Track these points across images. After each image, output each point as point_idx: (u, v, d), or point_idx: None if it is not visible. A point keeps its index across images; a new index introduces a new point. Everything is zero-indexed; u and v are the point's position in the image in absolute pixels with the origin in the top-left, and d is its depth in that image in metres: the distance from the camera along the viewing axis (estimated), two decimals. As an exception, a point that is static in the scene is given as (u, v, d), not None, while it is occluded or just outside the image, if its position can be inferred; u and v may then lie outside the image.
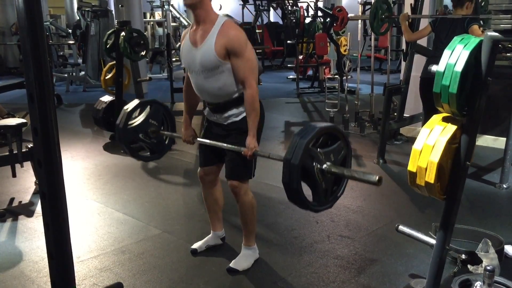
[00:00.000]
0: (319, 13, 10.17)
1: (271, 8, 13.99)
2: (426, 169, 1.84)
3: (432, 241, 2.27)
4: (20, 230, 3.37)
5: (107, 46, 5.83)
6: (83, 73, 10.57)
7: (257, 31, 13.51)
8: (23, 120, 4.06)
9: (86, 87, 10.21)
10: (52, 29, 13.27)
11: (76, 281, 1.96)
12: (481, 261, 2.49)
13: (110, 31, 5.90)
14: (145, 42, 5.68)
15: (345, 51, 8.77)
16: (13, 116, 5.68)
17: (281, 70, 12.82)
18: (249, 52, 2.45)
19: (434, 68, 1.82)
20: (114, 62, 5.91)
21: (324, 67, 9.68)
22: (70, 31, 13.35)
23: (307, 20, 11.52)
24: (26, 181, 4.31)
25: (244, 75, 2.44)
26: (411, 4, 5.04)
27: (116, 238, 3.22)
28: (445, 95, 1.78)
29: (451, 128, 1.85)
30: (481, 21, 4.19)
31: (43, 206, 1.75)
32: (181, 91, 2.84)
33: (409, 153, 1.92)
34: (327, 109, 6.56)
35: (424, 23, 4.74)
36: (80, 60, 11.91)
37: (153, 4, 13.66)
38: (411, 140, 5.30)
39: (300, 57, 10.20)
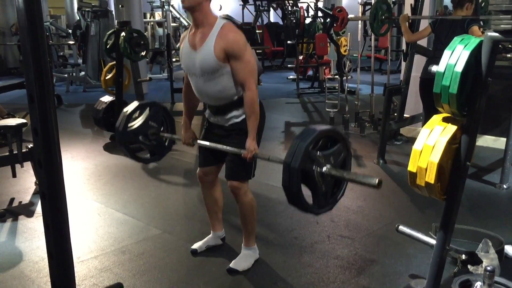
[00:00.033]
0: (319, 14, 10.17)
1: (271, 9, 13.99)
2: (426, 169, 1.84)
3: (432, 242, 2.27)
4: (20, 230, 3.37)
5: (107, 47, 5.83)
6: (83, 73, 10.58)
7: (257, 31, 13.52)
8: (23, 121, 4.06)
9: (86, 87, 10.22)
10: (52, 30, 13.28)
11: (76, 281, 1.96)
12: (481, 262, 2.49)
13: (110, 32, 5.90)
14: (145, 42, 5.68)
15: (345, 51, 8.77)
16: (13, 117, 5.68)
17: (281, 71, 12.82)
18: (248, 54, 2.44)
19: (434, 68, 1.82)
20: (114, 62, 5.91)
21: (324, 67, 9.68)
22: (70, 31, 13.34)
23: (307, 20, 11.52)
24: (26, 181, 4.31)
25: (244, 78, 2.44)
26: (411, 5, 5.04)
27: (116, 238, 3.22)
28: (445, 95, 1.78)
29: (451, 128, 1.85)
30: (481, 22, 4.19)
31: (43, 206, 1.75)
32: (181, 91, 2.83)
33: (409, 153, 1.92)
34: (327, 110, 6.56)
35: (424, 24, 4.74)
36: (80, 61, 11.91)
37: (153, 4, 13.67)
38: (411, 140, 5.30)
39: (300, 57, 10.21)
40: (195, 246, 2.98)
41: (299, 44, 10.14)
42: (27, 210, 3.73)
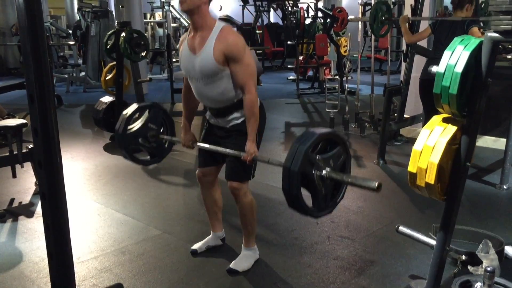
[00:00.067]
0: (319, 14, 10.18)
1: (271, 9, 13.99)
2: (426, 170, 1.84)
3: (432, 242, 2.27)
4: (20, 230, 3.37)
5: (108, 47, 5.84)
6: (83, 73, 10.58)
7: (257, 31, 13.53)
8: (23, 121, 4.06)
9: (87, 87, 10.22)
10: (52, 30, 13.28)
11: (76, 282, 1.96)
12: (481, 262, 2.49)
13: (110, 32, 5.91)
14: (145, 43, 5.68)
15: (345, 52, 8.78)
16: (13, 117, 5.68)
17: (281, 71, 12.83)
18: (247, 57, 2.44)
19: (434, 69, 1.83)
20: (115, 62, 5.92)
21: (324, 68, 9.68)
22: (70, 31, 13.35)
23: (307, 21, 11.52)
24: (26, 182, 4.31)
25: (243, 81, 2.44)
26: (411, 5, 5.04)
27: (116, 238, 3.22)
28: (445, 96, 1.79)
29: (451, 129, 1.85)
30: (481, 23, 4.19)
31: (43, 207, 1.75)
32: (181, 92, 2.83)
33: (409, 154, 1.92)
34: (327, 110, 6.56)
35: (424, 25, 4.74)
36: (80, 61, 11.92)
37: (154, 5, 13.67)
38: (411, 141, 5.29)
39: (300, 58, 10.21)
40: (195, 246, 2.98)
41: (299, 45, 10.15)
42: (27, 211, 3.73)
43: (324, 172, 1.96)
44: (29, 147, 3.72)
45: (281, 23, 14.83)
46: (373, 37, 7.19)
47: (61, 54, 13.91)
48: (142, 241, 3.18)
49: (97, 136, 6.26)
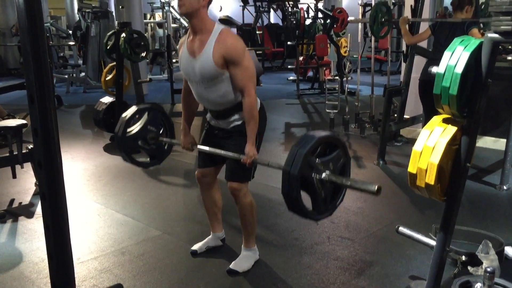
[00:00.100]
0: (320, 15, 10.18)
1: (271, 10, 14.01)
2: (426, 170, 1.84)
3: (432, 243, 2.27)
4: (20, 231, 3.37)
5: (108, 47, 5.84)
6: (83, 74, 10.59)
7: (257, 32, 13.54)
8: (24, 121, 4.06)
9: (87, 88, 10.22)
10: (52, 30, 13.28)
11: (76, 282, 1.96)
12: (481, 263, 2.49)
13: (110, 32, 5.91)
14: (146, 43, 5.68)
15: (345, 52, 8.78)
16: (14, 117, 5.68)
17: (281, 72, 12.83)
18: (247, 60, 2.43)
19: (434, 69, 1.83)
20: (115, 63, 5.92)
21: (324, 68, 9.69)
22: (70, 32, 13.36)
23: (308, 21, 11.53)
24: (26, 182, 4.31)
25: (243, 83, 2.44)
26: (411, 6, 5.05)
27: (116, 239, 3.22)
28: (445, 96, 1.79)
29: (451, 129, 1.85)
30: (481, 24, 4.19)
31: (43, 207, 1.75)
32: (181, 94, 2.84)
33: (409, 154, 1.92)
34: (327, 111, 6.56)
35: (424, 26, 4.74)
36: (80, 61, 11.92)
37: (154, 5, 13.68)
38: (411, 141, 5.29)
39: (301, 58, 10.22)
40: (195, 247, 2.98)
41: (299, 45, 10.15)
42: (27, 211, 3.73)
43: (323, 175, 1.96)
44: (29, 147, 3.72)
45: (281, 23, 14.84)
46: (373, 37, 7.19)
47: (61, 54, 13.92)
48: (142, 241, 3.18)
49: (97, 136, 6.26)
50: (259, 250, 2.87)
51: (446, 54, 1.80)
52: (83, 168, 4.85)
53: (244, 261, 2.78)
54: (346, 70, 7.95)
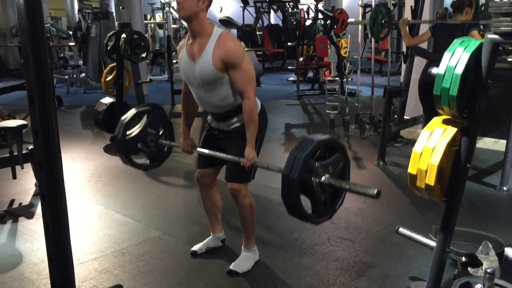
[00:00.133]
0: (320, 15, 10.19)
1: (271, 10, 14.01)
2: (426, 171, 1.84)
3: (432, 244, 2.27)
4: (20, 231, 3.37)
5: (108, 48, 5.84)
6: (83, 75, 10.59)
7: (257, 33, 13.54)
8: (24, 122, 4.06)
9: (87, 88, 10.22)
10: (52, 31, 13.29)
11: (76, 283, 1.96)
12: (481, 264, 2.49)
13: (110, 33, 5.91)
14: (146, 44, 5.68)
15: (345, 53, 8.77)
16: (14, 118, 5.68)
17: (281, 72, 12.84)
18: (246, 63, 2.44)
19: (434, 70, 1.83)
20: (115, 64, 5.92)
21: (324, 69, 9.69)
22: (70, 33, 13.37)
23: (308, 22, 11.54)
24: (27, 183, 4.31)
25: (242, 86, 2.44)
26: (411, 7, 5.05)
27: (116, 240, 3.22)
28: (445, 97, 1.79)
29: (452, 130, 1.85)
30: (481, 26, 4.19)
31: (43, 208, 1.75)
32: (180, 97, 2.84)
33: (409, 155, 1.92)
34: (328, 111, 6.56)
35: (424, 28, 4.74)
36: (80, 62, 11.93)
37: (154, 6, 13.69)
38: (412, 142, 5.29)
39: (301, 59, 10.22)
40: (195, 247, 2.97)
41: (300, 46, 10.16)
42: (27, 212, 3.73)
43: (323, 178, 1.96)
44: (29, 148, 3.72)
45: (281, 24, 14.85)
46: (373, 38, 7.19)
47: (62, 55, 13.94)
48: (142, 242, 3.18)
49: (97, 137, 6.26)
50: (259, 251, 2.87)
51: (446, 55, 1.81)
52: (83, 168, 4.85)
53: (244, 262, 2.78)
54: (346, 71, 7.93)
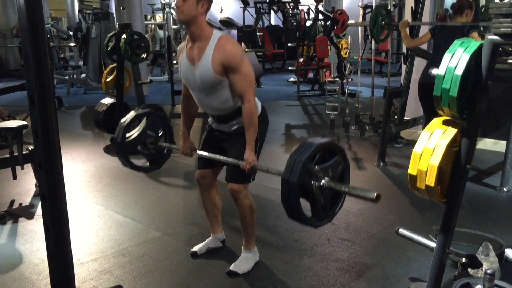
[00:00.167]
0: (320, 16, 10.19)
1: (271, 11, 14.01)
2: (426, 172, 1.84)
3: (433, 245, 2.27)
4: (20, 232, 3.37)
5: (108, 49, 5.84)
6: (84, 75, 10.59)
7: (258, 34, 13.55)
8: (24, 122, 4.06)
9: (87, 89, 10.23)
10: (53, 32, 13.31)
11: (76, 284, 1.96)
12: (482, 265, 2.49)
13: (111, 34, 5.91)
14: (146, 44, 5.69)
15: (345, 54, 8.78)
16: (14, 118, 5.68)
17: (281, 73, 12.84)
18: (245, 66, 2.44)
19: (434, 71, 1.83)
20: (115, 64, 5.92)
21: (324, 70, 9.69)
22: (71, 33, 13.38)
23: (308, 23, 11.54)
24: (27, 183, 4.31)
25: (242, 90, 2.44)
26: (411, 8, 5.05)
27: (116, 240, 3.22)
28: (445, 98, 1.79)
29: (452, 131, 1.85)
30: (481, 28, 4.19)
31: (43, 208, 1.75)
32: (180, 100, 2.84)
33: (409, 156, 1.92)
34: (328, 112, 6.56)
35: (424, 30, 4.75)
36: (81, 63, 11.94)
37: (154, 6, 13.70)
38: (412, 143, 5.30)
39: (301, 60, 10.22)
40: (195, 248, 2.98)
41: (300, 47, 10.16)
42: (27, 212, 3.73)
43: (322, 182, 1.96)
44: (30, 148, 3.72)
45: (281, 25, 14.84)
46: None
47: (62, 55, 13.95)
48: (142, 243, 3.18)
49: (97, 137, 6.27)
50: (259, 251, 2.87)
51: (446, 56, 1.81)
52: (83, 169, 4.85)
53: (244, 262, 2.78)
54: (347, 71, 7.94)
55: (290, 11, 13.36)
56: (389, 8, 5.58)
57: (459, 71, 1.74)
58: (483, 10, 5.03)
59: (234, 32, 13.03)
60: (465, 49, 1.77)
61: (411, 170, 1.90)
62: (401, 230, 2.73)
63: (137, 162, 2.93)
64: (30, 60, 1.57)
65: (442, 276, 2.06)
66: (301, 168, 1.89)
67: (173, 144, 2.91)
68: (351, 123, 6.30)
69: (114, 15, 10.83)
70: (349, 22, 8.47)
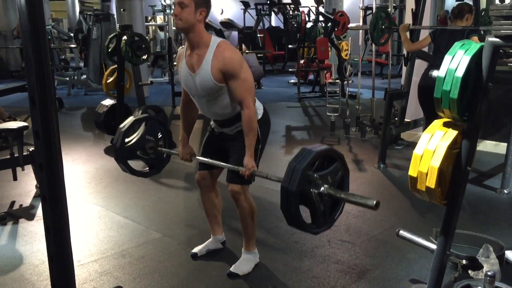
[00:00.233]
0: (321, 18, 10.20)
1: (272, 13, 14.03)
2: (427, 174, 1.84)
3: (433, 246, 2.27)
4: (21, 233, 3.37)
5: (109, 50, 5.85)
6: (84, 76, 10.60)
7: (258, 35, 13.55)
8: (25, 124, 4.07)
9: (88, 90, 10.23)
10: (54, 33, 13.32)
11: (76, 285, 1.96)
12: (482, 267, 2.49)
13: (112, 35, 5.92)
14: (147, 46, 5.69)
15: (346, 55, 8.78)
16: (15, 119, 5.69)
17: (282, 75, 12.84)
18: (244, 72, 2.44)
19: (434, 73, 1.83)
20: (116, 66, 5.93)
21: (325, 71, 9.69)
22: (72, 34, 13.39)
23: (309, 24, 11.54)
24: (27, 185, 4.31)
25: (241, 96, 2.45)
26: (412, 10, 5.05)
27: (117, 241, 3.22)
28: (446, 100, 1.79)
29: (452, 133, 1.85)
30: (482, 32, 4.20)
31: (43, 210, 1.75)
32: (180, 105, 2.84)
33: (410, 158, 1.92)
34: (328, 114, 6.56)
35: (424, 33, 4.75)
36: (81, 64, 11.94)
37: (155, 8, 13.70)
38: (412, 145, 5.29)
39: (301, 61, 10.22)
40: (195, 250, 2.97)
41: (300, 48, 10.16)
42: (27, 213, 3.73)
43: (322, 189, 1.96)
44: (30, 149, 3.72)
45: (282, 26, 14.86)
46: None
47: (63, 57, 13.96)
48: (142, 244, 3.18)
49: (98, 139, 6.27)
50: (260, 253, 2.87)
51: (447, 58, 1.81)
52: (84, 170, 4.86)
53: (244, 264, 2.78)
54: (347, 73, 7.92)
55: (291, 13, 13.38)
56: (389, 10, 5.58)
57: (460, 73, 1.74)
58: (483, 13, 5.03)
59: (235, 33, 13.03)
60: (465, 51, 1.78)
61: (412, 172, 1.90)
62: (402, 232, 2.73)
63: (136, 166, 2.93)
64: (31, 61, 1.57)
65: (443, 278, 2.06)
66: (300, 176, 1.89)
67: (173, 147, 2.91)
68: (352, 124, 6.30)
69: (115, 16, 10.84)
70: (350, 25, 8.48)
